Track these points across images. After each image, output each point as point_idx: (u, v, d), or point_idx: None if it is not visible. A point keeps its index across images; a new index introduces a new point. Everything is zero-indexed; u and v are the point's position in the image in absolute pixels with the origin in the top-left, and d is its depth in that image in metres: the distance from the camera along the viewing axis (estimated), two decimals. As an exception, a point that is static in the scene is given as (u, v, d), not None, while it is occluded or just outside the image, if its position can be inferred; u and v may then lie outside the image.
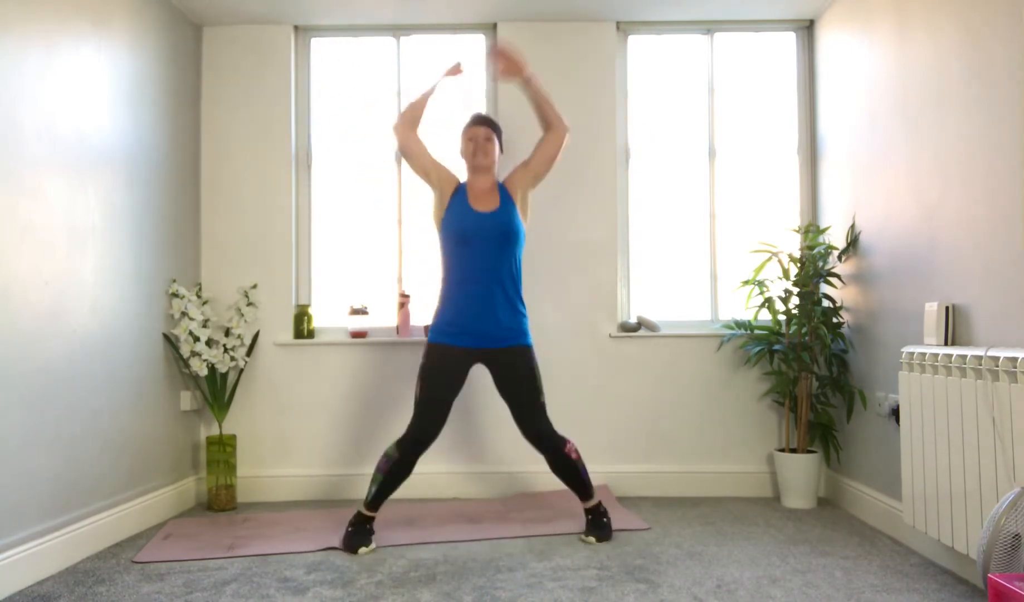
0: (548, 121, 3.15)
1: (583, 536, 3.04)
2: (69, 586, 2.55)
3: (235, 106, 3.93)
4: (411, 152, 3.12)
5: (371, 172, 4.04)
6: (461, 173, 3.19)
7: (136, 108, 3.31)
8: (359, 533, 2.94)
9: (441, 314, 3.03)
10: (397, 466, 2.94)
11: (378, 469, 2.96)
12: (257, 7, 3.74)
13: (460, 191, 3.08)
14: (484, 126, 3.11)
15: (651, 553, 2.85)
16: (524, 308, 3.08)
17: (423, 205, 4.00)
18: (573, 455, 3.03)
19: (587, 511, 3.08)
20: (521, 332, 3.03)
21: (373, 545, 2.94)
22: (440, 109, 4.02)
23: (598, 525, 3.04)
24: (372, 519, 2.98)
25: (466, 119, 3.19)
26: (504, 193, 3.09)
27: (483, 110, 4.02)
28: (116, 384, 3.11)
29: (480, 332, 2.98)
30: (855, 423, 3.46)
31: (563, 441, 3.02)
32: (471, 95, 4.03)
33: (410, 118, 3.12)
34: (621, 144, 3.99)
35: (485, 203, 3.05)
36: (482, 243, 2.98)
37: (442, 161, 3.15)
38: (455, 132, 3.97)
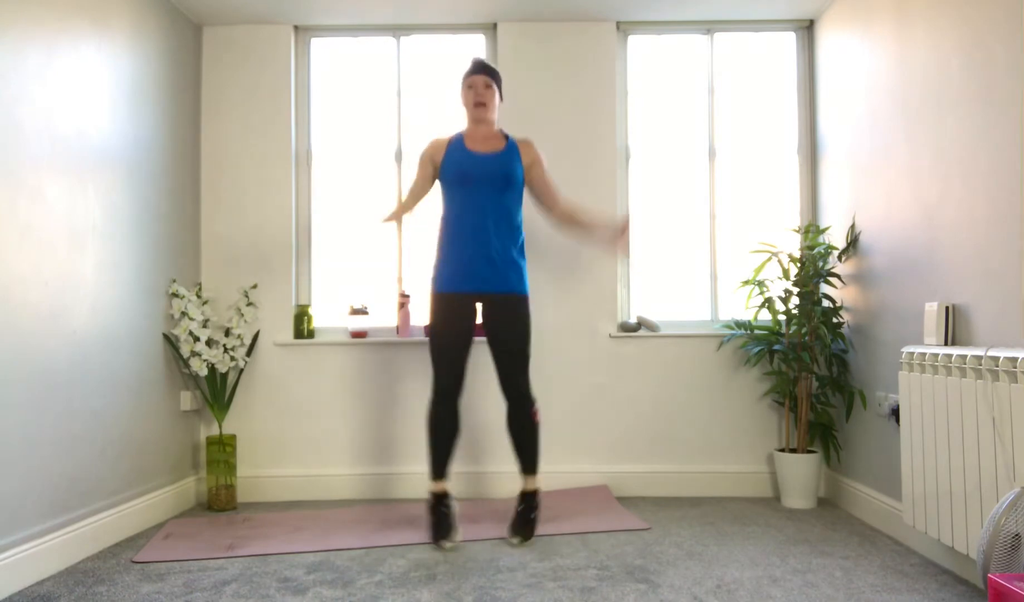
0: (567, 217, 3.18)
1: (509, 537, 2.96)
2: (69, 586, 2.55)
3: (235, 106, 3.93)
4: (420, 192, 3.16)
5: (371, 172, 4.04)
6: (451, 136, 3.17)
7: (136, 108, 3.31)
8: (439, 521, 2.92)
9: (441, 262, 3.02)
10: (437, 421, 2.97)
11: (427, 434, 3.01)
12: (257, 7, 3.74)
13: (456, 141, 3.08)
14: (483, 74, 3.10)
15: (651, 553, 2.85)
16: (523, 259, 3.05)
17: (423, 205, 3.99)
18: (535, 417, 3.02)
19: (522, 497, 3.03)
20: (518, 279, 3.01)
21: (458, 537, 2.90)
22: (439, 110, 4.02)
23: (524, 521, 2.98)
24: (444, 495, 2.96)
25: (466, 66, 3.16)
26: (512, 145, 3.08)
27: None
28: (116, 384, 3.11)
29: (477, 272, 2.96)
30: (855, 423, 3.46)
31: (532, 401, 3.03)
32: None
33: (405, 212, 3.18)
34: (621, 144, 3.99)
35: (486, 146, 3.05)
36: (482, 184, 2.97)
37: (423, 161, 3.14)
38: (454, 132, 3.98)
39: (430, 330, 2.99)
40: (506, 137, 3.12)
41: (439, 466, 2.99)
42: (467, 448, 3.88)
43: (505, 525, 3.22)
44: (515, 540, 2.96)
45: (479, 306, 3.03)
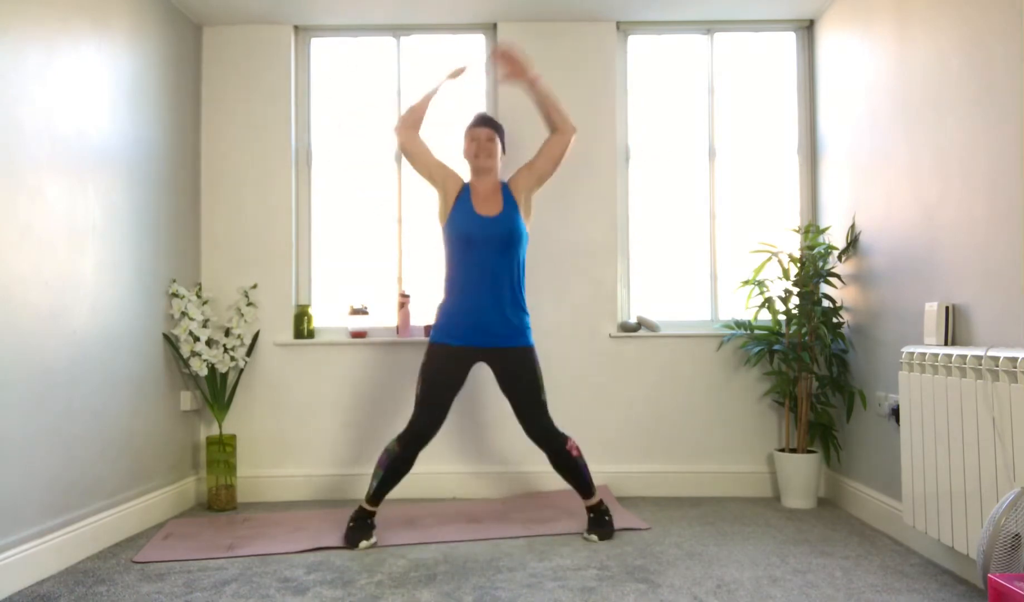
0: (554, 123, 3.16)
1: (585, 534, 3.05)
2: (69, 586, 2.55)
3: (235, 106, 3.93)
4: (413, 153, 3.13)
5: (371, 172, 4.04)
6: (465, 173, 3.20)
7: (136, 108, 3.31)
8: (360, 527, 2.97)
9: (444, 315, 3.05)
10: (397, 461, 2.97)
11: (379, 464, 2.99)
12: (257, 7, 3.74)
13: (464, 193, 3.09)
14: (486, 127, 3.12)
15: (651, 553, 2.85)
16: (526, 308, 3.10)
17: (423, 205, 4.00)
18: (574, 452, 3.05)
19: (589, 509, 3.09)
20: (523, 333, 3.05)
21: (374, 539, 2.97)
22: (440, 109, 4.02)
23: (600, 523, 3.06)
24: (373, 514, 3.01)
25: (469, 119, 3.19)
26: (507, 195, 3.10)
27: (484, 110, 4.02)
28: (116, 384, 3.11)
29: (482, 333, 3.00)
30: (855, 423, 3.45)
31: (564, 439, 3.04)
32: (472, 95, 4.03)
33: (411, 120, 3.13)
34: (621, 144, 3.99)
35: (489, 206, 3.06)
36: (486, 247, 3.00)
37: (445, 162, 3.16)
38: (455, 132, 3.98)
39: (426, 376, 2.99)
40: (502, 186, 3.13)
41: (380, 495, 3.01)
42: (467, 448, 3.88)
43: (505, 525, 3.23)
44: (593, 537, 3.02)
45: (482, 360, 3.06)
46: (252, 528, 3.25)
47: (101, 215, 3.03)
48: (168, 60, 3.59)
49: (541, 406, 3.03)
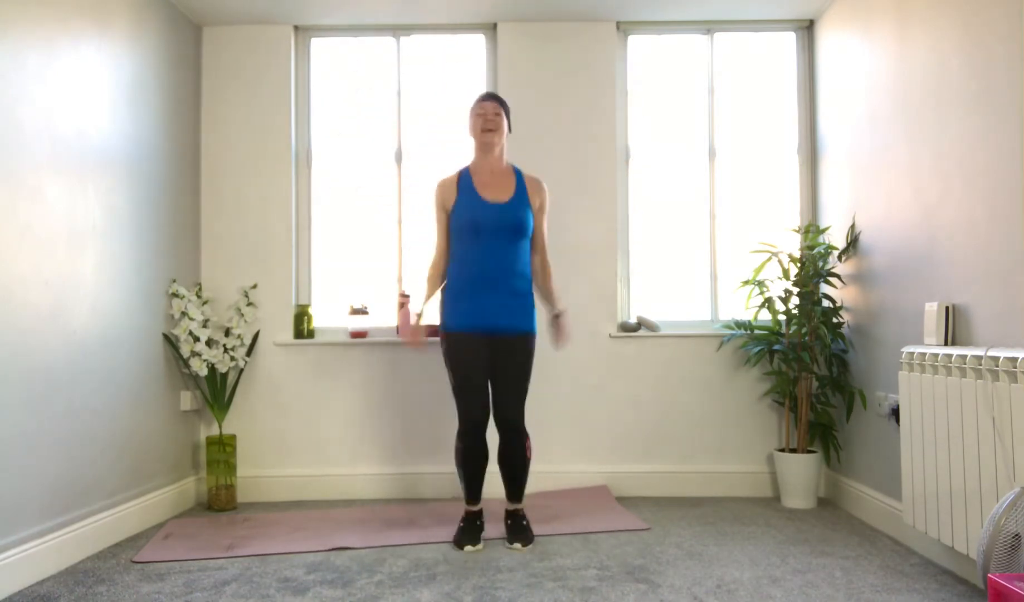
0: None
1: (508, 544, 2.98)
2: (69, 586, 2.55)
3: (235, 106, 3.93)
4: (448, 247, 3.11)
5: (371, 172, 4.04)
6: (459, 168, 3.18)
7: (136, 108, 3.31)
8: (468, 530, 2.98)
9: (453, 302, 3.01)
10: (468, 454, 2.98)
11: (457, 465, 3.02)
12: (257, 7, 3.74)
13: (464, 181, 3.04)
14: (492, 101, 3.08)
15: (651, 553, 2.85)
16: (532, 295, 3.07)
17: (423, 205, 4.00)
18: (528, 453, 3.04)
19: (509, 514, 3.07)
20: (529, 319, 3.03)
21: (481, 544, 2.95)
22: (441, 110, 4.02)
23: (521, 529, 3.02)
24: (478, 514, 3.03)
25: (475, 98, 3.16)
26: (521, 186, 3.06)
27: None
28: (116, 384, 3.11)
29: (492, 321, 2.97)
30: (855, 423, 3.45)
31: (526, 435, 3.03)
32: (472, 95, 4.03)
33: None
34: (621, 144, 3.99)
35: (495, 190, 3.02)
36: (492, 233, 2.97)
37: (440, 202, 3.09)
38: (456, 131, 3.98)
39: (454, 365, 2.98)
40: (515, 172, 3.09)
41: (474, 492, 3.03)
42: (467, 448, 3.88)
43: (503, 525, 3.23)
44: (517, 545, 2.96)
45: (490, 344, 3.03)
46: (252, 528, 3.25)
47: (101, 215, 3.03)
48: (168, 60, 3.59)
49: (521, 391, 3.01)
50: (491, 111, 3.06)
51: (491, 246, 2.97)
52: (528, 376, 3.03)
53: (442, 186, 3.09)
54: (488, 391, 3.00)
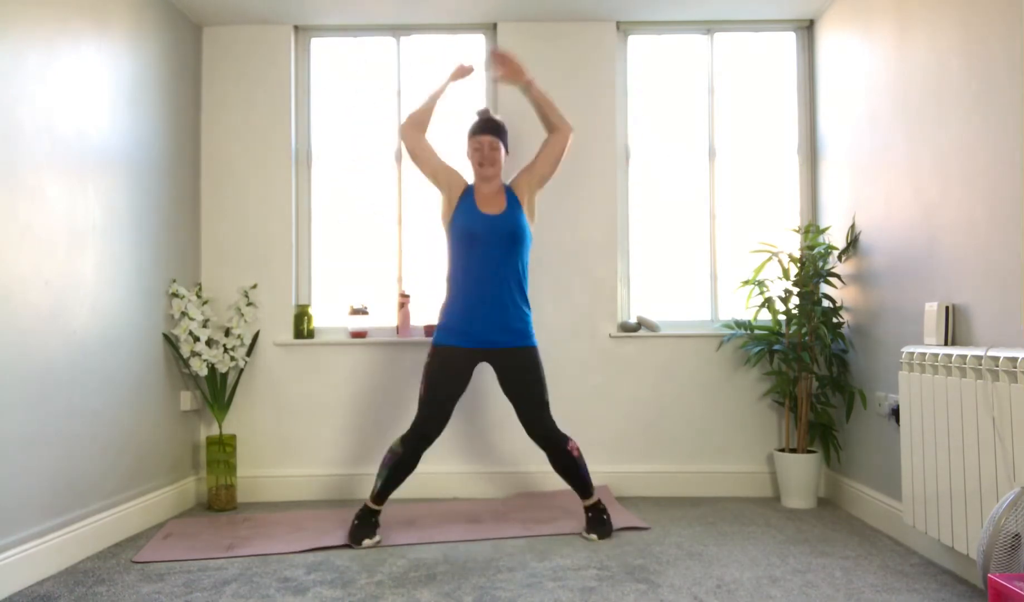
0: (551, 123, 3.20)
1: (584, 533, 3.05)
2: (69, 586, 2.55)
3: (235, 106, 3.93)
4: (419, 155, 3.14)
5: (371, 172, 4.04)
6: (469, 175, 3.21)
7: (136, 108, 3.31)
8: (364, 526, 2.99)
9: (447, 315, 3.06)
10: (401, 461, 2.99)
11: (383, 464, 3.01)
12: (257, 7, 3.74)
13: (468, 193, 3.11)
14: (489, 134, 3.12)
15: (651, 553, 2.85)
16: (529, 309, 3.12)
17: (423, 205, 4.00)
18: (575, 453, 3.05)
19: (587, 509, 3.09)
20: (526, 333, 3.07)
21: (378, 538, 2.99)
22: (442, 109, 4.01)
23: (599, 522, 3.06)
24: (378, 513, 3.03)
25: (473, 120, 3.20)
26: (511, 196, 3.13)
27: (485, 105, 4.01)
28: (116, 384, 3.11)
29: (486, 334, 3.02)
30: (855, 423, 3.45)
31: (566, 439, 3.05)
32: (472, 95, 4.03)
33: (418, 121, 3.15)
34: (621, 144, 3.99)
35: (492, 205, 3.09)
36: (489, 245, 3.02)
37: (450, 164, 3.17)
38: (455, 132, 3.98)
39: (430, 377, 3.00)
40: (505, 189, 3.15)
41: (384, 495, 3.03)
42: (468, 448, 3.88)
43: (505, 525, 3.23)
44: (593, 536, 3.02)
45: (486, 361, 3.07)
46: (252, 528, 3.25)
47: (101, 215, 3.03)
48: (168, 60, 3.59)
49: (545, 407, 3.05)
50: (487, 146, 3.11)
51: (487, 256, 3.01)
52: (543, 383, 3.06)
53: (457, 174, 3.16)
54: (451, 411, 3.01)
